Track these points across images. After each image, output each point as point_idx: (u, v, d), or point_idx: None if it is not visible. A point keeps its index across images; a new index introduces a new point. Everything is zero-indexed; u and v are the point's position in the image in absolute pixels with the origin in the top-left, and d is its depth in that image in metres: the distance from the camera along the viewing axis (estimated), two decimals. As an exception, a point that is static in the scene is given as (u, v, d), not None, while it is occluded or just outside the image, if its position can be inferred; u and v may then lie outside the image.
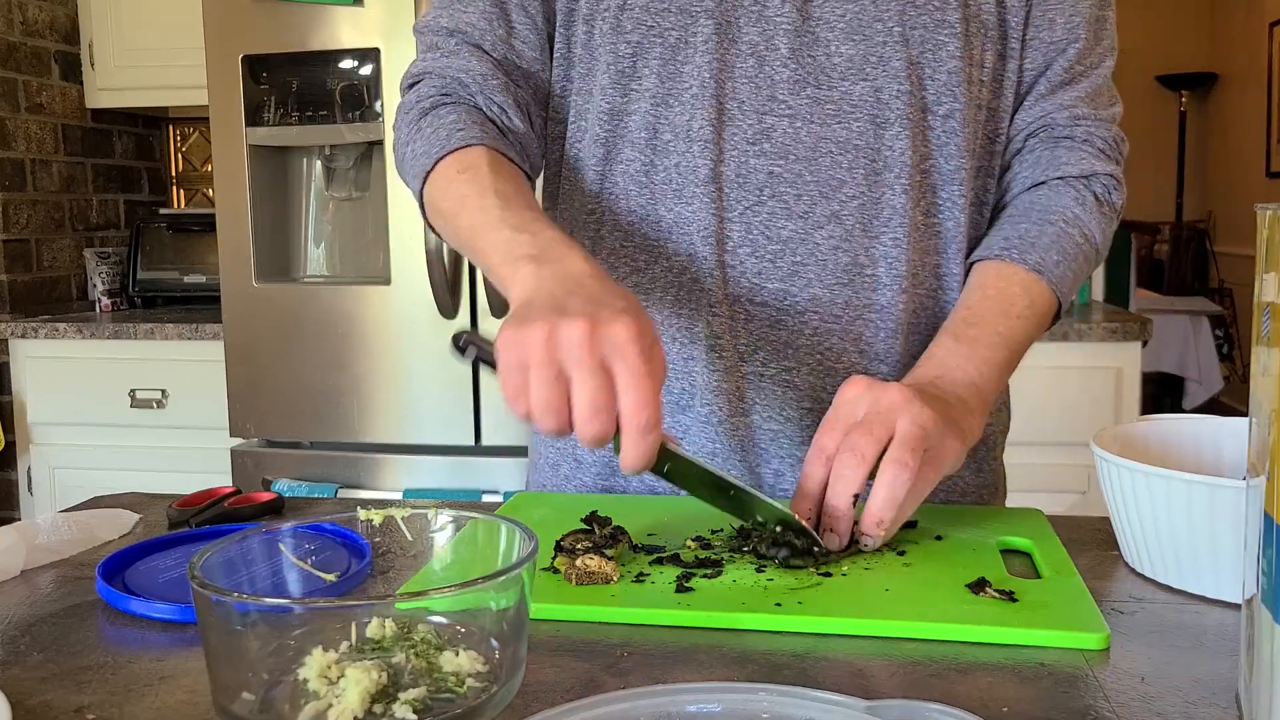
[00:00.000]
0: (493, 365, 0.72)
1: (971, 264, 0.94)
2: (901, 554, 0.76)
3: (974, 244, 0.96)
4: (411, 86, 0.97)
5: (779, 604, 0.67)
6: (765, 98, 0.90)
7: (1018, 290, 0.89)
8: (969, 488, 0.98)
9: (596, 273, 0.74)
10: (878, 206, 0.90)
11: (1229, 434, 0.84)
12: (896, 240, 0.91)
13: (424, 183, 0.90)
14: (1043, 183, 0.96)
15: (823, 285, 0.91)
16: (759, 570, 0.73)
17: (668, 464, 0.73)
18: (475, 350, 0.76)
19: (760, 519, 0.77)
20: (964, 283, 0.95)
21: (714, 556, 0.75)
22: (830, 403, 0.83)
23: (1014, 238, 0.92)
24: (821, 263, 0.91)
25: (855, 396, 0.78)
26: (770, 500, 0.76)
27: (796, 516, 0.75)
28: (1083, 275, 0.94)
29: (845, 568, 0.74)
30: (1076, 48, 0.95)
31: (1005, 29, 0.93)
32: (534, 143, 0.97)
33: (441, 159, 0.88)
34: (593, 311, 0.67)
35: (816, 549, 0.74)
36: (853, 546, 0.76)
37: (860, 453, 0.74)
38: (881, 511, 0.73)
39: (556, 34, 0.96)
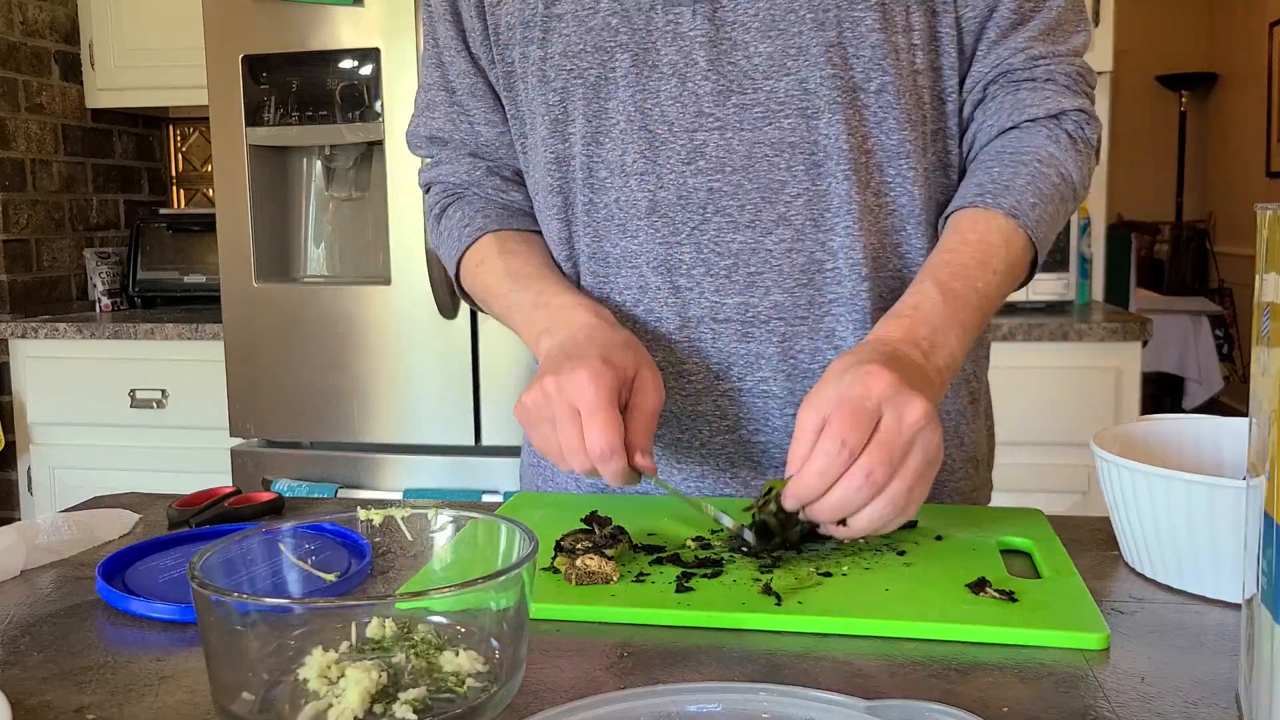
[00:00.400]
0: None
1: (946, 217, 0.91)
2: (901, 554, 0.76)
3: (934, 214, 0.94)
4: (427, 191, 1.10)
5: (779, 604, 0.67)
6: (692, 114, 0.89)
7: (997, 239, 0.86)
8: (955, 462, 0.97)
9: (594, 324, 0.87)
10: (825, 199, 0.89)
11: (1229, 434, 0.84)
12: (849, 229, 0.90)
13: (458, 283, 1.04)
14: (1011, 128, 0.93)
15: (782, 290, 0.90)
16: (760, 570, 0.73)
17: (654, 481, 0.81)
18: None
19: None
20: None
21: (714, 556, 0.75)
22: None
23: (987, 183, 0.89)
24: (777, 268, 0.90)
25: (881, 394, 0.72)
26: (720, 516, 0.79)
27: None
28: (1062, 216, 0.92)
29: (845, 568, 0.74)
30: None
31: None
32: (529, 203, 1.04)
33: (460, 258, 1.01)
34: (559, 366, 0.80)
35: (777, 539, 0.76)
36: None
37: (876, 483, 0.70)
38: (858, 534, 0.72)
39: (504, 99, 1.00)
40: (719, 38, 0.88)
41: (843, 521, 0.72)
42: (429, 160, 1.08)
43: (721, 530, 0.82)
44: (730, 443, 0.93)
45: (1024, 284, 0.91)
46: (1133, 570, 0.76)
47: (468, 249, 1.00)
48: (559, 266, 0.99)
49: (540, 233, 1.02)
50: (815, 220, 0.90)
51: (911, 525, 0.81)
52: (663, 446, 0.95)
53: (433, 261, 2.11)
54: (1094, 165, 0.96)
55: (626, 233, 0.93)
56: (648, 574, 0.72)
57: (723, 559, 0.75)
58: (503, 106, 1.01)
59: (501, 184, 1.04)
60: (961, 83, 0.94)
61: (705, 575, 0.72)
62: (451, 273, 1.03)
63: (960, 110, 0.95)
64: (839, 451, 0.70)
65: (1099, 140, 0.96)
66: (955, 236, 0.88)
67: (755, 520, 0.76)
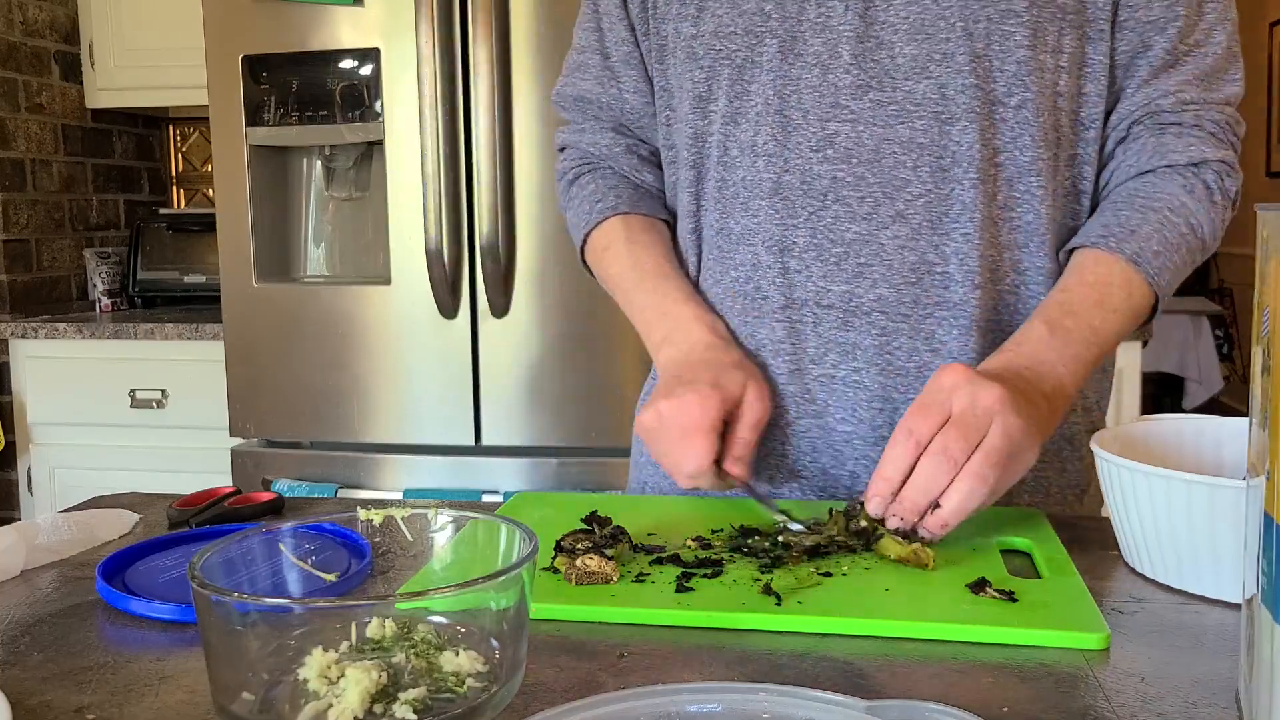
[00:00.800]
0: None
1: (1070, 250, 0.92)
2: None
3: (1068, 234, 0.95)
4: (561, 151, 1.14)
5: (779, 604, 0.67)
6: (829, 105, 0.91)
7: (1117, 281, 0.87)
8: (1053, 487, 0.97)
9: (709, 343, 0.93)
10: (946, 203, 0.91)
11: (1229, 434, 0.84)
12: (967, 235, 0.91)
13: (583, 257, 1.08)
14: (1148, 171, 0.93)
15: (889, 285, 0.92)
16: (760, 570, 0.73)
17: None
18: None
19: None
20: (1051, 279, 0.94)
21: (714, 556, 0.75)
22: (899, 403, 0.91)
23: (1114, 225, 0.89)
24: (887, 262, 0.91)
25: (952, 385, 0.77)
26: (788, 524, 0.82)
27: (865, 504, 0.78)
28: (1187, 267, 0.91)
29: (845, 568, 0.74)
30: (1177, 26, 0.91)
31: (1086, 12, 0.90)
32: (662, 183, 1.08)
33: (588, 235, 1.06)
34: (671, 391, 0.87)
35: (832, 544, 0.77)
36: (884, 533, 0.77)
37: (954, 458, 0.74)
38: (950, 518, 0.74)
39: (654, 71, 1.03)
40: (866, 34, 0.90)
41: (932, 510, 0.74)
42: (571, 123, 1.12)
43: (721, 530, 0.82)
44: (815, 428, 0.95)
45: (1145, 325, 0.92)
46: (1133, 570, 0.76)
47: (595, 227, 1.04)
48: (684, 242, 1.03)
49: (666, 220, 1.06)
50: (933, 222, 0.91)
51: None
52: None
53: (433, 261, 2.11)
54: (1229, 218, 0.95)
55: (749, 211, 0.95)
56: (648, 574, 0.72)
57: (723, 559, 0.75)
58: (651, 79, 1.05)
59: (638, 163, 1.08)
60: (1108, 115, 0.95)
61: (705, 575, 0.72)
62: (577, 243, 1.08)
63: (1102, 141, 0.95)
64: (907, 440, 0.75)
65: (1238, 193, 0.96)
66: (1074, 276, 0.89)
67: (838, 534, 0.78)
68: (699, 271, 1.02)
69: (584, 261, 1.08)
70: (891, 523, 0.75)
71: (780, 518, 0.81)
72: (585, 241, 1.06)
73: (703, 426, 0.84)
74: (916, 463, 0.75)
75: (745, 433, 0.87)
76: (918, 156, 0.90)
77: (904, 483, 0.75)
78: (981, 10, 0.88)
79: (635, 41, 1.04)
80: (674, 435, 0.85)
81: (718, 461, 0.85)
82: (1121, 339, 0.89)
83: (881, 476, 0.76)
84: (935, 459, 0.74)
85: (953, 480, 0.74)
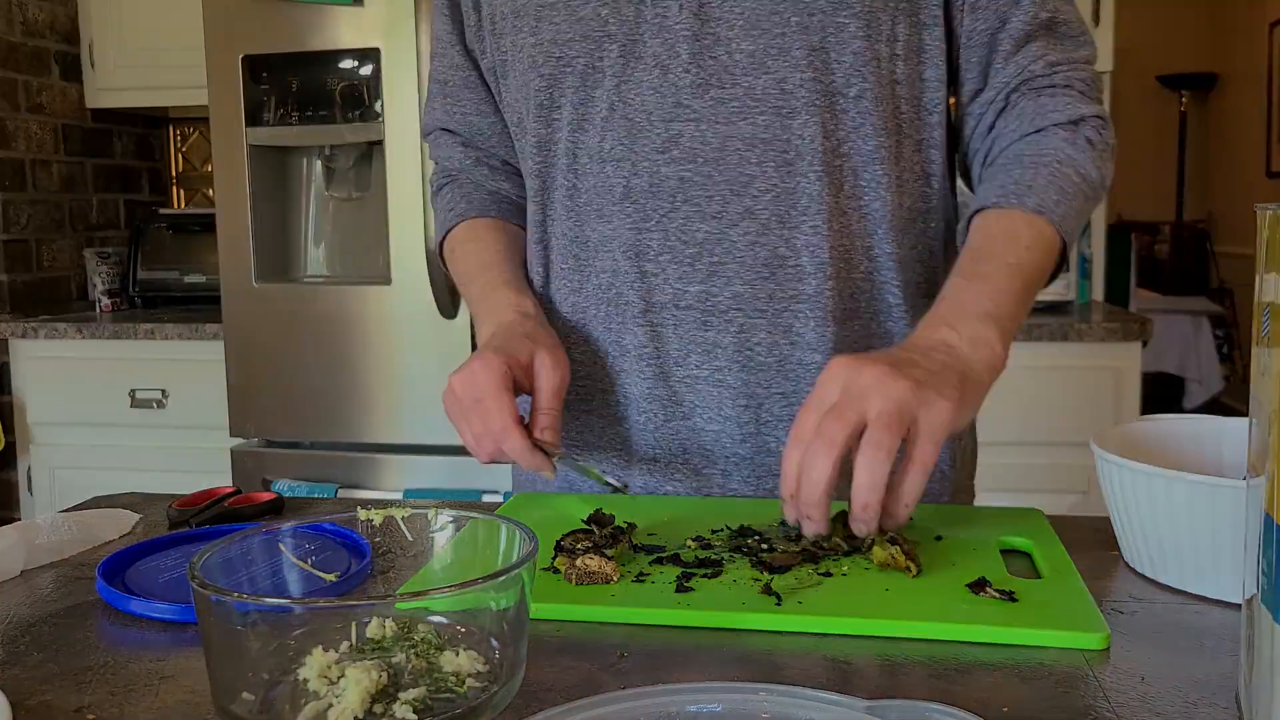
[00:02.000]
0: None
1: (970, 217, 0.92)
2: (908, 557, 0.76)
3: (918, 220, 0.96)
4: (433, 173, 1.17)
5: (779, 604, 0.67)
6: (670, 105, 0.91)
7: (1022, 227, 0.88)
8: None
9: (511, 323, 0.93)
10: (793, 196, 0.91)
11: (1229, 434, 0.84)
12: (816, 228, 0.91)
13: (442, 257, 1.11)
14: (1032, 132, 0.94)
15: (743, 282, 0.92)
16: (759, 570, 0.73)
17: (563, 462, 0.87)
18: None
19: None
20: (900, 265, 0.94)
21: (714, 556, 0.75)
22: (763, 398, 0.93)
23: (1009, 184, 0.90)
24: (740, 259, 0.92)
25: (831, 378, 0.75)
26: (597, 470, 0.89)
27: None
28: (1085, 213, 0.93)
29: (845, 567, 0.74)
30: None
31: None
32: (519, 191, 1.10)
33: (441, 243, 1.10)
34: (465, 365, 0.87)
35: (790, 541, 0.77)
36: (854, 541, 0.76)
37: (829, 439, 0.71)
38: (866, 496, 0.70)
39: (496, 89, 1.05)
40: (703, 32, 0.90)
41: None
42: (432, 149, 1.15)
43: (722, 530, 0.82)
44: (685, 429, 0.95)
45: (1055, 275, 0.91)
46: (1133, 570, 0.76)
47: (446, 235, 1.08)
48: (530, 252, 1.03)
49: (516, 220, 1.08)
50: (781, 217, 0.91)
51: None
52: (625, 428, 0.97)
53: (433, 261, 2.11)
54: (1112, 166, 0.97)
55: (603, 217, 0.95)
56: (648, 574, 0.72)
57: (723, 559, 0.75)
58: (493, 97, 1.06)
59: (489, 173, 1.10)
60: (958, 95, 0.96)
61: (705, 575, 0.72)
62: (438, 248, 1.12)
63: (966, 121, 0.97)
64: (793, 442, 0.73)
65: (1115, 143, 0.97)
66: (979, 234, 0.89)
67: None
68: (547, 281, 1.01)
69: (445, 270, 1.12)
70: (806, 528, 0.72)
71: (613, 482, 0.87)
72: (442, 244, 1.09)
73: (490, 388, 0.84)
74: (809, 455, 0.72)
75: (545, 400, 0.88)
76: (762, 152, 0.90)
77: (798, 480, 0.72)
78: (815, 4, 0.89)
79: (473, 64, 1.05)
80: (467, 408, 0.85)
81: (531, 438, 0.85)
82: (1044, 273, 0.89)
83: (783, 481, 0.73)
84: (813, 445, 0.71)
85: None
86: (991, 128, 0.97)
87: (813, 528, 0.73)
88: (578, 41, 0.93)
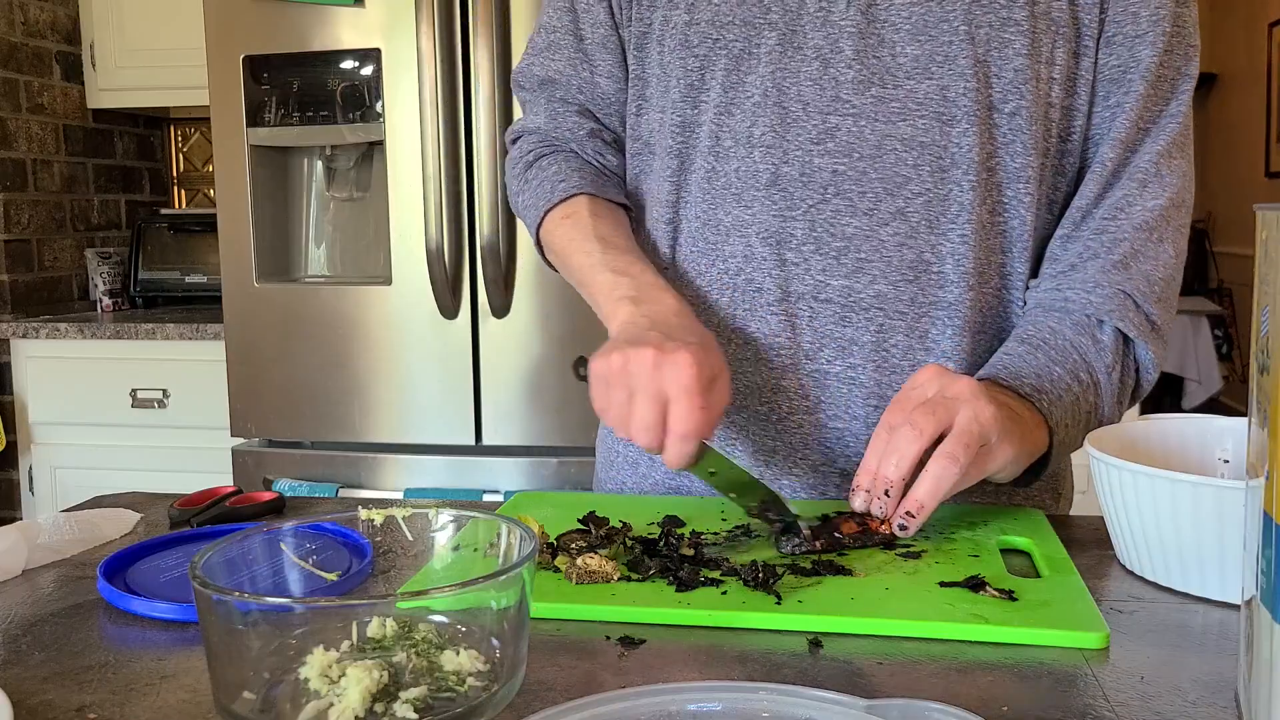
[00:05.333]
0: None
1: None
2: (903, 553, 0.76)
3: (1040, 245, 0.95)
4: (514, 142, 1.11)
5: (779, 604, 0.67)
6: (829, 98, 0.91)
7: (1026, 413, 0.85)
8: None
9: (682, 311, 0.88)
10: (944, 203, 0.91)
11: (1229, 434, 0.84)
12: (964, 237, 0.91)
13: (538, 230, 1.04)
14: (1089, 314, 0.90)
15: (887, 282, 0.92)
16: (759, 570, 0.73)
17: (710, 467, 0.81)
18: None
19: (779, 518, 0.80)
20: (1027, 284, 0.95)
21: (714, 556, 0.75)
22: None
23: (1028, 374, 0.87)
24: (886, 259, 0.92)
25: (926, 380, 0.80)
26: (780, 494, 0.81)
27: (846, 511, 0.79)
28: (1076, 444, 0.90)
29: (846, 566, 0.74)
30: (1158, 46, 0.91)
31: (1079, 26, 0.91)
32: (624, 171, 1.07)
33: (549, 210, 1.01)
34: (661, 343, 0.80)
35: (820, 542, 0.77)
36: (877, 536, 0.77)
37: (920, 429, 0.75)
38: (923, 499, 0.75)
39: (631, 58, 1.02)
40: (868, 31, 0.91)
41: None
42: (531, 106, 1.08)
43: (719, 532, 0.82)
44: (808, 423, 0.95)
45: (1033, 474, 0.87)
46: (1131, 571, 0.76)
47: (558, 204, 1.00)
48: (656, 232, 1.01)
49: (628, 208, 1.04)
50: (931, 222, 0.91)
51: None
52: (744, 417, 0.96)
53: (434, 261, 2.11)
54: (1127, 407, 0.94)
55: (741, 202, 0.95)
56: (648, 574, 0.72)
57: (723, 558, 0.75)
58: (626, 65, 1.03)
59: (602, 146, 1.06)
60: (1087, 130, 0.94)
61: (705, 575, 0.72)
62: (533, 220, 1.03)
63: (1079, 154, 0.94)
64: (881, 433, 0.77)
65: (1147, 386, 0.95)
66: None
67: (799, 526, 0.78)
68: (673, 262, 1.00)
69: (536, 239, 1.04)
70: (871, 507, 0.77)
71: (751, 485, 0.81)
72: (545, 215, 1.01)
73: (700, 387, 0.78)
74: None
75: (716, 417, 0.81)
76: (919, 155, 0.91)
77: (878, 464, 0.77)
78: (984, 16, 0.89)
79: (614, 25, 1.02)
80: (652, 391, 0.78)
81: None
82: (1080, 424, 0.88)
83: (862, 468, 0.78)
84: (902, 430, 0.76)
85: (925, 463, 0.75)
86: (1079, 180, 0.95)
87: (877, 506, 0.77)
88: (736, 25, 0.93)
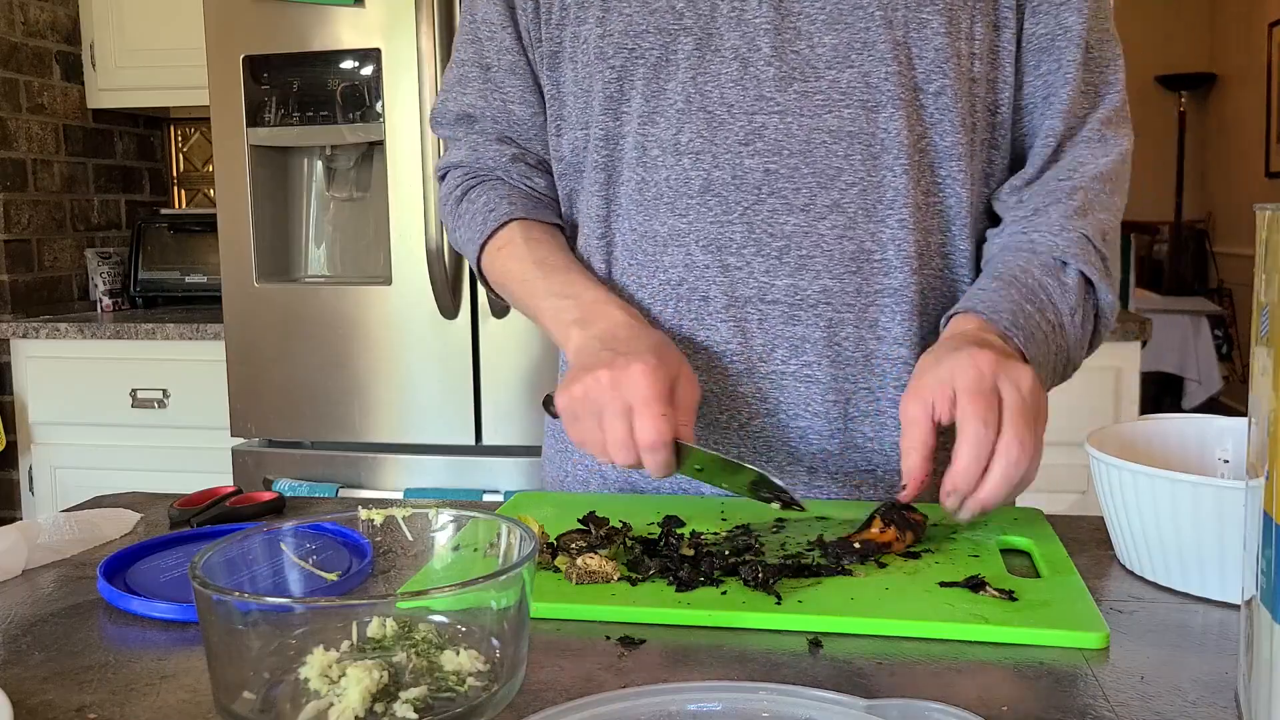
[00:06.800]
0: None
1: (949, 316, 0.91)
2: (903, 553, 0.76)
3: (977, 220, 0.96)
4: (443, 178, 1.10)
5: (779, 604, 0.67)
6: (753, 98, 0.91)
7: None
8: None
9: (630, 322, 0.88)
10: (879, 190, 0.91)
11: (1229, 434, 0.84)
12: (902, 221, 0.91)
13: (479, 265, 1.03)
14: (1054, 256, 0.92)
15: (831, 275, 0.92)
16: (759, 570, 0.73)
17: (696, 465, 0.82)
18: (554, 408, 0.88)
19: (773, 495, 0.81)
20: (973, 262, 0.96)
21: (714, 555, 0.75)
22: (850, 392, 0.92)
23: (1012, 309, 0.88)
24: (828, 253, 0.91)
25: (928, 367, 0.80)
26: (766, 471, 0.82)
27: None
28: (1047, 377, 0.92)
29: (846, 566, 0.74)
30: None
31: None
32: (554, 190, 1.06)
33: (485, 244, 1.01)
34: (612, 360, 0.82)
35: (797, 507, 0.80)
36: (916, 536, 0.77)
37: (987, 422, 0.74)
38: (994, 491, 0.74)
39: (544, 79, 1.01)
40: (783, 26, 0.91)
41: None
42: (453, 142, 1.08)
43: (718, 532, 0.82)
44: (770, 425, 0.94)
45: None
46: (1130, 570, 0.76)
47: (492, 235, 1.00)
48: (589, 248, 1.00)
49: (561, 226, 1.04)
50: (868, 210, 0.91)
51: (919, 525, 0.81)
52: (702, 427, 0.96)
53: (434, 261, 2.11)
54: (1091, 347, 0.97)
55: (676, 211, 0.94)
56: (648, 574, 0.72)
57: (724, 558, 0.75)
58: (539, 87, 1.02)
59: (527, 170, 1.05)
60: (1016, 99, 0.95)
61: (705, 575, 0.72)
62: (472, 256, 1.03)
63: (1016, 123, 0.95)
64: (986, 433, 0.74)
65: (1105, 332, 0.97)
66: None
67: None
68: (609, 277, 0.99)
69: (479, 271, 1.04)
70: (950, 502, 0.76)
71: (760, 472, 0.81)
72: (482, 249, 1.01)
73: (656, 396, 0.79)
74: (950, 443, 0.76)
75: (688, 414, 0.83)
76: (849, 145, 0.91)
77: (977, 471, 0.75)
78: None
79: (521, 49, 1.01)
80: (617, 409, 0.79)
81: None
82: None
83: (962, 472, 0.75)
84: (1014, 454, 0.74)
85: (992, 454, 0.74)
86: (1020, 156, 0.96)
87: (959, 507, 0.76)
88: (650, 34, 0.93)
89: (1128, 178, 0.97)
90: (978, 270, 0.97)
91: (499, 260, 1.00)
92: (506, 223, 1.00)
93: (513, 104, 1.03)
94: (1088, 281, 0.92)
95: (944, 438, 0.78)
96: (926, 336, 0.94)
